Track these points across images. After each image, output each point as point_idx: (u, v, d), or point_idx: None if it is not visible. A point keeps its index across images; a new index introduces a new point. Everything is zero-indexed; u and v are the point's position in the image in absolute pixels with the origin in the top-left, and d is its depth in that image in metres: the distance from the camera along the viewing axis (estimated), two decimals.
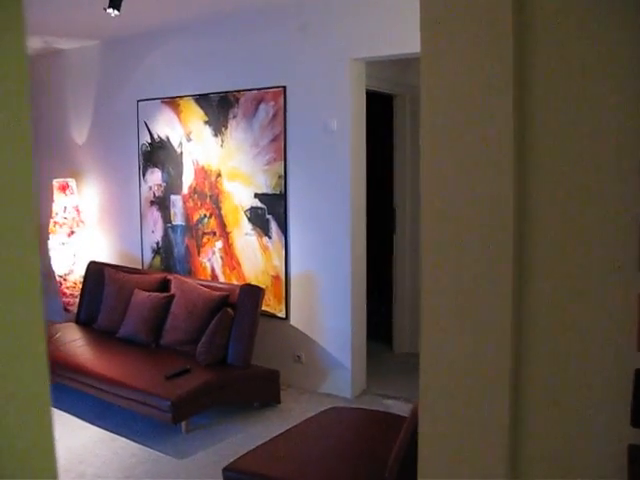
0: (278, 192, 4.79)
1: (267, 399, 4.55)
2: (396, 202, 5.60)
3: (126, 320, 4.93)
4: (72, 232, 5.85)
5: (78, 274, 5.89)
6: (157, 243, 5.64)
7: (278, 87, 4.70)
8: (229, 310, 4.43)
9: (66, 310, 6.03)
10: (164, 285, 5.04)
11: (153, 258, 5.69)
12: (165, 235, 5.57)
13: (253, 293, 4.49)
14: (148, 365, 4.39)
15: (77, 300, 5.91)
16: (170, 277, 5.08)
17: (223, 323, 4.37)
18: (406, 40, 3.83)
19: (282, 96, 4.69)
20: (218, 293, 4.63)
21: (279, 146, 4.74)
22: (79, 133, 6.16)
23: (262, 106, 4.80)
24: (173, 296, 4.84)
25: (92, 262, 5.60)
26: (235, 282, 5.07)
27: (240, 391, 4.36)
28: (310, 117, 4.60)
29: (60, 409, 4.47)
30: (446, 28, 1.18)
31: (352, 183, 4.50)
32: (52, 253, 5.92)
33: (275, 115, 4.74)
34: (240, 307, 4.45)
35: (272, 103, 4.75)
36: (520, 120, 1.13)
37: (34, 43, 5.82)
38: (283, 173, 4.75)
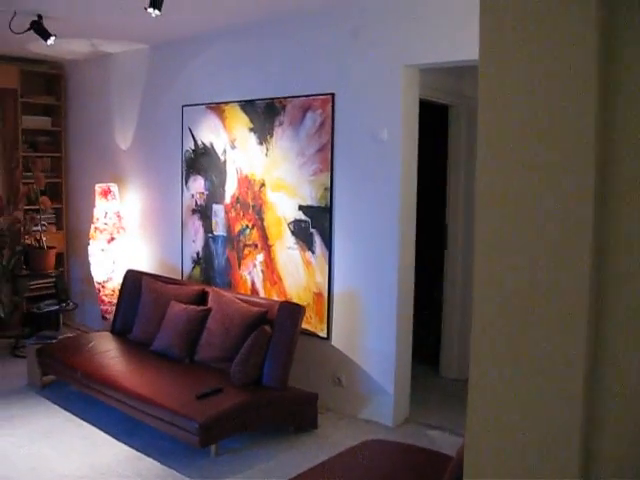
0: (323, 205, 4.54)
1: (303, 423, 4.29)
2: (448, 218, 5.30)
3: (161, 333, 4.75)
4: (112, 238, 5.72)
5: (117, 281, 5.75)
6: (197, 253, 5.46)
7: (326, 94, 4.46)
8: (267, 328, 4.19)
9: (104, 318, 5.89)
10: (201, 298, 4.84)
11: (193, 269, 5.51)
12: (206, 245, 5.38)
13: (292, 311, 4.24)
14: (179, 382, 4.18)
15: (114, 308, 5.77)
16: (208, 289, 4.88)
17: (260, 341, 4.13)
18: (463, 47, 3.58)
19: (330, 103, 4.45)
20: (256, 309, 4.40)
21: (326, 156, 4.50)
22: (123, 138, 6.04)
23: (309, 114, 4.57)
24: (210, 310, 4.63)
25: (130, 270, 5.45)
26: (275, 298, 4.83)
27: (275, 415, 4.11)
28: (359, 126, 4.35)
29: (88, 422, 4.31)
30: (508, 34, 1.08)
31: (402, 197, 4.22)
32: (92, 259, 5.79)
33: (323, 123, 4.50)
34: (278, 325, 4.21)
35: (320, 111, 4.51)
36: (598, 121, 0.99)
37: (81, 46, 5.73)
38: (329, 185, 4.50)
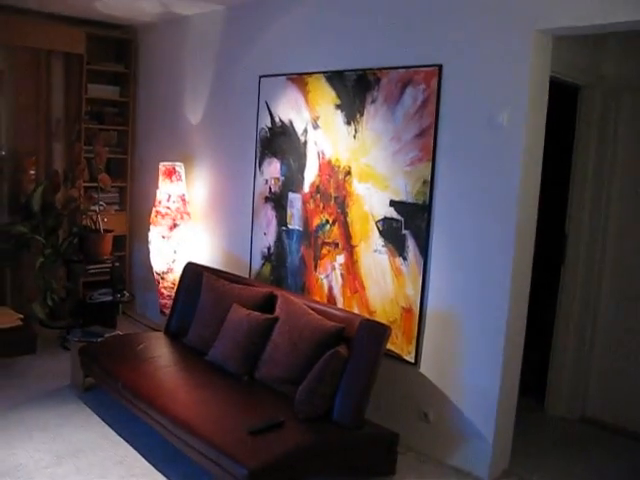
0: (421, 201, 3.70)
1: (378, 467, 3.50)
2: (569, 226, 4.35)
3: (218, 341, 4.05)
4: (175, 225, 5.06)
5: (178, 273, 5.11)
6: (268, 248, 4.72)
7: (432, 66, 3.60)
8: (342, 350, 3.40)
9: (162, 312, 5.27)
10: (269, 302, 4.10)
11: (262, 266, 4.78)
12: (278, 240, 4.64)
13: (376, 332, 3.44)
14: (233, 406, 3.46)
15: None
16: (277, 293, 4.13)
17: (332, 367, 3.35)
18: (617, 4, 2.76)
19: (436, 78, 3.59)
20: (331, 324, 3.62)
21: (427, 143, 3.65)
22: (194, 111, 5.36)
23: (409, 90, 3.73)
24: (276, 319, 3.89)
25: (190, 263, 4.77)
26: (355, 310, 4.05)
27: (345, 459, 3.32)
28: (471, 107, 3.48)
29: (126, 439, 3.73)
30: None
31: (521, 199, 3.34)
32: (151, 246, 5.17)
33: (425, 102, 3.65)
34: (357, 348, 3.41)
35: (422, 86, 3.66)
36: None
37: (153, 6, 5.07)
38: (429, 177, 3.65)
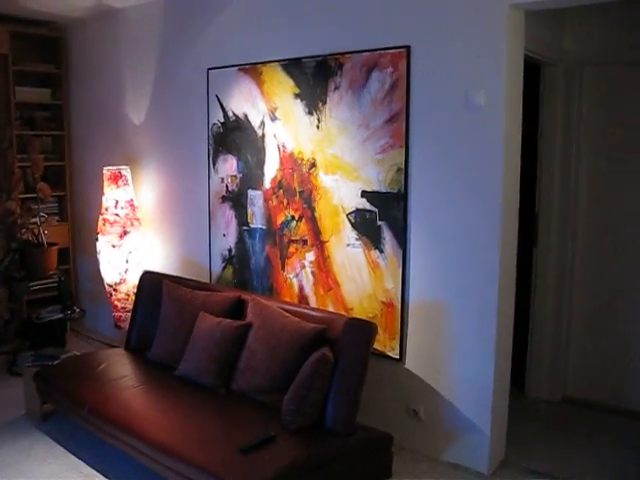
0: (396, 190, 3.53)
1: (375, 471, 3.32)
2: (538, 206, 4.28)
3: (188, 353, 3.77)
4: (125, 232, 4.73)
5: (132, 283, 4.79)
6: (229, 250, 4.46)
7: (399, 48, 3.43)
8: (328, 353, 3.20)
9: (117, 326, 4.94)
10: (238, 308, 3.86)
11: (224, 269, 4.51)
12: (240, 240, 4.38)
13: (363, 331, 3.25)
14: (215, 423, 3.21)
15: (129, 315, 4.81)
16: (246, 297, 3.89)
17: (321, 372, 3.14)
18: None
19: (404, 60, 3.42)
20: (311, 326, 3.41)
21: (399, 128, 3.48)
22: (136, 111, 5.03)
23: (375, 74, 3.54)
24: (250, 325, 3.65)
25: (147, 272, 4.46)
26: (331, 308, 3.85)
27: (343, 467, 3.11)
28: (445, 88, 3.32)
29: (98, 470, 3.43)
30: None
31: (505, 180, 3.21)
32: (101, 257, 4.82)
33: (394, 86, 3.48)
34: (345, 349, 3.21)
35: (390, 69, 3.48)
36: None
37: (82, 0, 4.71)
38: (403, 164, 3.48)
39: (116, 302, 4.87)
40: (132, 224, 4.77)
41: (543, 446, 3.75)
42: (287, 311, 3.62)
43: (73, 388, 3.65)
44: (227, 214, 4.44)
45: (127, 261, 4.76)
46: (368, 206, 3.65)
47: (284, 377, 3.35)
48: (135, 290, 4.58)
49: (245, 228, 4.33)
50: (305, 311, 3.64)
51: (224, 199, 4.44)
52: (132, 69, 5.02)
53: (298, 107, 3.91)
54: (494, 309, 3.27)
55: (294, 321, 3.50)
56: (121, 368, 3.93)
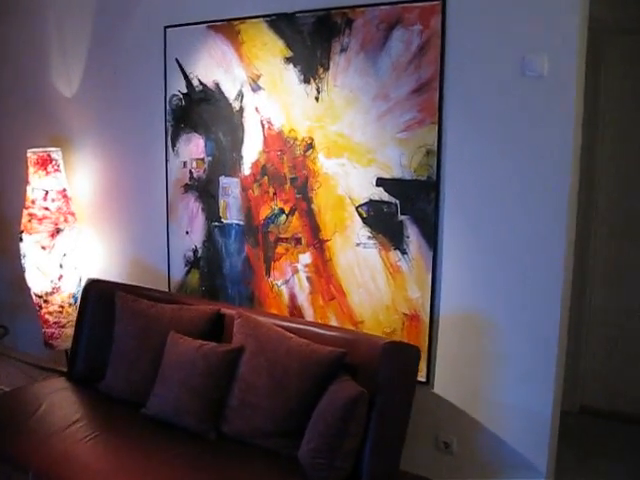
0: (424, 177, 2.85)
1: None
2: None
3: (159, 386, 2.97)
4: (58, 230, 3.81)
5: (67, 292, 3.89)
6: (194, 251, 3.65)
7: (431, 0, 2.74)
8: (364, 390, 2.48)
9: (49, 345, 4.01)
10: (216, 325, 3.10)
11: (187, 273, 3.70)
12: (208, 239, 3.58)
13: (408, 359, 2.58)
14: None
15: (64, 331, 3.93)
16: (228, 312, 3.12)
17: (356, 415, 2.44)
18: None
19: (438, 15, 2.73)
20: (328, 349, 2.68)
21: (429, 100, 2.80)
22: (66, 80, 4.07)
23: (398, 32, 2.84)
24: (241, 349, 2.88)
25: (93, 281, 3.57)
26: (333, 321, 3.16)
27: None
28: (493, 51, 2.67)
29: None
30: None
31: (573, 167, 2.61)
32: (26, 262, 3.87)
33: (423, 47, 2.78)
34: (384, 384, 2.51)
35: (418, 27, 2.79)
36: None
37: None
38: (435, 145, 2.81)
39: (47, 316, 3.94)
40: (66, 220, 3.85)
41: (591, 465, 3.26)
42: (287, 329, 2.89)
43: (8, 445, 2.75)
44: (191, 206, 3.62)
45: (61, 266, 3.84)
46: (386, 197, 2.96)
47: (295, 416, 2.64)
48: (74, 302, 3.70)
49: (216, 224, 3.53)
50: (312, 329, 2.91)
51: (187, 188, 3.62)
52: (59, 29, 4.04)
53: (290, 74, 3.15)
54: (556, 324, 2.67)
55: (302, 343, 2.77)
56: (69, 409, 3.06)
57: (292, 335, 2.84)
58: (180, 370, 2.92)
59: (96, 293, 3.46)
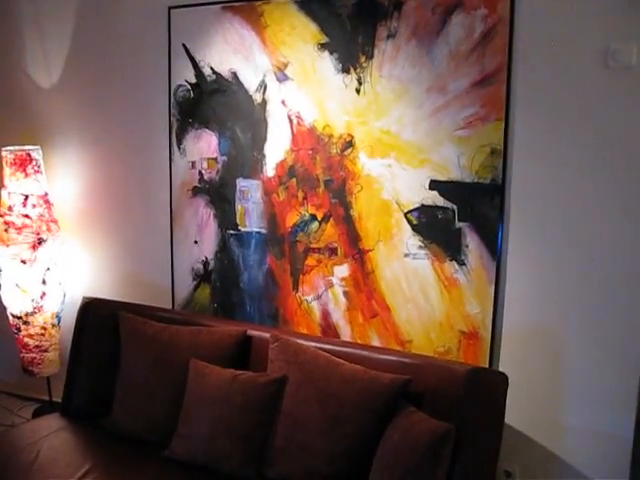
0: (488, 180, 2.54)
1: None
2: None
3: (185, 424, 2.56)
4: (40, 241, 3.32)
5: (50, 312, 3.40)
6: (204, 263, 3.23)
7: None
8: (445, 423, 2.16)
9: (28, 372, 3.52)
10: (243, 350, 2.71)
11: (196, 288, 3.28)
12: (222, 249, 3.17)
13: (496, 389, 2.27)
14: None
15: (47, 356, 3.46)
16: (255, 333, 2.74)
17: (444, 454, 2.11)
18: None
19: (506, 0, 2.43)
20: (390, 376, 2.35)
21: (494, 93, 2.49)
22: (44, 69, 3.56)
23: (458, 17, 2.52)
24: (284, 379, 2.51)
25: (91, 300, 3.09)
26: (375, 341, 2.82)
27: None
28: (570, 39, 2.38)
29: None
30: None
31: None
32: (3, 278, 3.36)
33: (488, 35, 2.47)
34: (471, 419, 2.19)
35: (482, 12, 2.47)
36: None
37: None
38: (502, 145, 2.50)
39: (27, 339, 3.44)
40: (49, 229, 3.36)
41: None
42: (335, 354, 2.54)
43: None
44: (201, 212, 3.20)
45: (44, 282, 3.35)
46: (441, 201, 2.64)
47: (354, 456, 2.29)
48: (57, 322, 3.25)
49: (232, 232, 3.13)
50: (364, 353, 2.55)
51: (196, 191, 3.20)
52: (35, 10, 3.53)
53: (325, 62, 2.78)
54: None
55: (358, 370, 2.42)
56: (74, 455, 2.60)
57: (343, 361, 2.49)
58: (212, 406, 2.53)
59: (95, 315, 3.00)
